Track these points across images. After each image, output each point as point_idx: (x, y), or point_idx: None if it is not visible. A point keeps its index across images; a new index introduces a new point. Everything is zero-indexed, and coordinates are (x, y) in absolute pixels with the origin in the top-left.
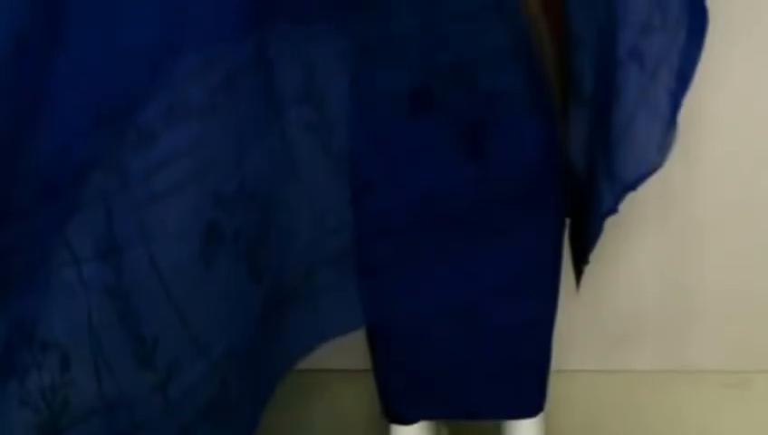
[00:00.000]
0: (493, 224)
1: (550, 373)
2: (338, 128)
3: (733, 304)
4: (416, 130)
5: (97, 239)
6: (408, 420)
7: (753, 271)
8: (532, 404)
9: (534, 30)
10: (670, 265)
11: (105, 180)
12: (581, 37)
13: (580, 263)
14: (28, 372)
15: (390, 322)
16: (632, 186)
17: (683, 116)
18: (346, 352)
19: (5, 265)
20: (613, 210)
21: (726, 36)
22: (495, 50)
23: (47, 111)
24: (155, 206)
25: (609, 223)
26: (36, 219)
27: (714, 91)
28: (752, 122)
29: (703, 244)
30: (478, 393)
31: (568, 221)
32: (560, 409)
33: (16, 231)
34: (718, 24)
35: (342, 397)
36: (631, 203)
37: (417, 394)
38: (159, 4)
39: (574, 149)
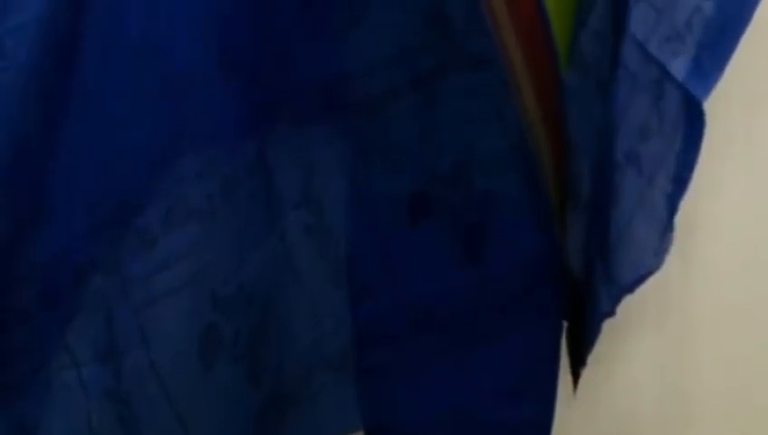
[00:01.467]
0: (492, 327)
1: None
2: (336, 231)
3: (731, 409)
4: (414, 234)
5: (96, 342)
6: None
7: (751, 375)
8: None
9: (532, 134)
10: (668, 368)
11: (105, 283)
12: (579, 141)
13: (577, 365)
14: None
15: (390, 424)
16: (629, 289)
17: (680, 218)
18: None
19: (6, 368)
20: (610, 313)
21: (723, 140)
22: (494, 154)
23: (46, 215)
24: (154, 308)
25: (606, 325)
26: (36, 322)
27: (711, 194)
28: (749, 226)
29: (701, 347)
30: None
31: (565, 324)
32: None
33: (16, 334)
34: (715, 128)
35: None
36: (628, 305)
37: None
38: (158, 107)
39: (571, 253)
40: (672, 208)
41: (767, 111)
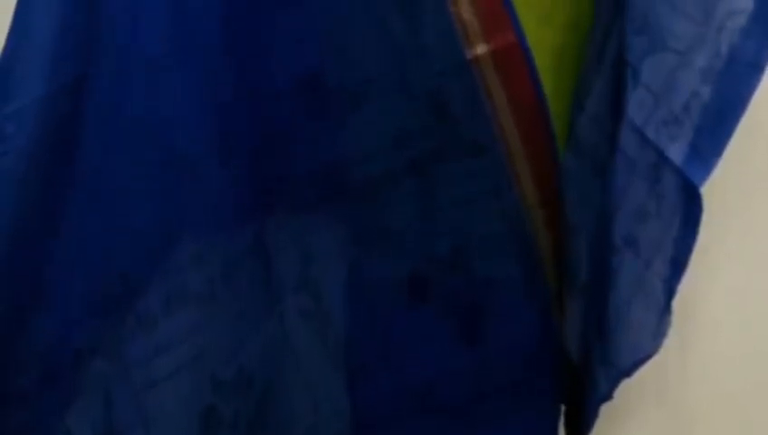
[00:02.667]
0: (491, 410)
1: None
2: (335, 314)
3: None
4: (413, 317)
5: (96, 425)
6: None
7: None
8: None
9: (530, 217)
10: None
11: (104, 367)
12: (577, 224)
13: None
14: None
15: None
16: (627, 372)
17: (677, 302)
18: None
19: None
20: (608, 397)
21: (721, 224)
22: (492, 238)
23: (47, 299)
24: (153, 391)
25: (604, 409)
26: (36, 405)
27: (709, 278)
28: (747, 310)
29: (699, 431)
30: None
31: (563, 407)
32: None
33: (16, 417)
34: (713, 212)
35: None
36: (626, 389)
37: None
38: (158, 191)
39: (569, 336)
40: (670, 292)
41: (764, 195)
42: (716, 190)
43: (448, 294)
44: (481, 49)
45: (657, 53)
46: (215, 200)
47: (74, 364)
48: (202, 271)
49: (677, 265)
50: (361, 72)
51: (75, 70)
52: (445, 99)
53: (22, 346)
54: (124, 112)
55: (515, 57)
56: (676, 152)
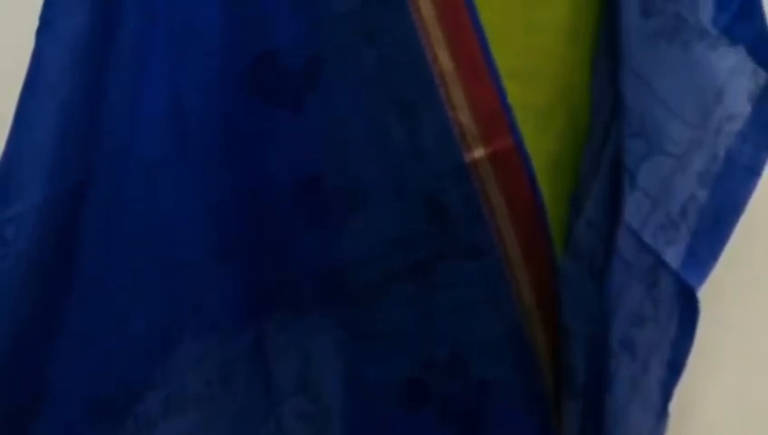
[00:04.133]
0: None
1: None
2: (334, 419)
3: None
4: (412, 421)
5: None
6: None
7: None
8: None
9: (528, 320)
10: None
11: None
12: (574, 327)
13: None
14: None
15: None
16: None
17: (674, 405)
18: None
19: None
20: None
21: (718, 327)
22: (490, 341)
23: (46, 402)
24: None
25: None
26: None
27: (705, 381)
28: (744, 413)
29: None
30: None
31: None
32: None
33: None
34: (710, 315)
35: None
36: None
37: None
38: (157, 294)
39: None
40: (666, 395)
41: (761, 298)
42: (713, 293)
43: (447, 398)
44: (479, 153)
45: (655, 157)
46: (214, 303)
47: None
48: (201, 373)
49: (674, 368)
50: (360, 175)
51: (75, 175)
52: (443, 202)
53: None
54: (123, 217)
55: (514, 161)
56: (674, 256)
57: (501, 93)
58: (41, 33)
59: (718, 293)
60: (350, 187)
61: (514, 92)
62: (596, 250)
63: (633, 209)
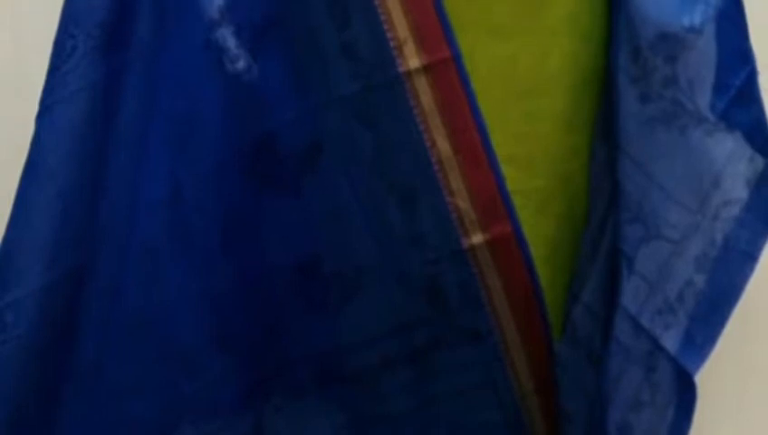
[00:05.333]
0: None
1: None
2: None
3: None
4: None
5: None
6: None
7: None
8: None
9: (526, 404)
10: None
11: None
12: (572, 412)
13: None
14: None
15: None
16: None
17: None
18: None
19: None
20: None
21: (715, 411)
22: (488, 425)
23: None
24: None
25: None
26: None
27: None
28: None
29: None
30: None
31: None
32: None
33: None
34: (707, 399)
35: None
36: None
37: None
38: (156, 380)
39: None
40: None
41: (759, 383)
42: (711, 377)
43: None
44: (477, 238)
45: (652, 242)
46: (213, 388)
47: None
48: None
49: None
50: (358, 259)
51: (74, 260)
52: (440, 287)
53: None
54: (123, 302)
55: (512, 247)
56: (671, 341)
57: (499, 179)
58: (40, 118)
59: (715, 377)
60: (348, 271)
61: (513, 178)
62: (594, 335)
63: (631, 294)
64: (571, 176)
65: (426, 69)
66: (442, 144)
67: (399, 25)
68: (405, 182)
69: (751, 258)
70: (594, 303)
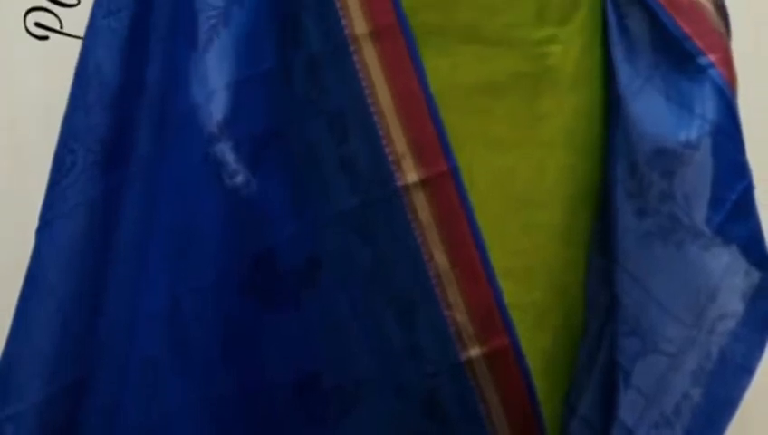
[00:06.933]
0: None
1: None
2: None
3: None
4: None
5: None
6: None
7: None
8: None
9: None
10: None
11: None
12: None
13: None
14: None
15: None
16: None
17: None
18: None
19: None
20: None
21: None
22: None
23: None
24: None
25: None
26: None
27: None
28: None
29: None
30: None
31: None
32: None
33: None
34: None
35: None
36: None
37: None
38: None
39: None
40: None
41: None
42: None
43: None
44: (475, 352)
45: (649, 356)
46: None
47: None
48: None
49: None
50: (357, 373)
51: (74, 372)
52: (439, 400)
53: None
54: (123, 415)
55: (509, 360)
56: None
57: (497, 293)
58: (40, 232)
59: None
60: (347, 384)
61: (510, 292)
62: None
63: (627, 407)
64: (567, 288)
65: (424, 183)
66: (440, 258)
67: (398, 140)
68: (403, 296)
69: (747, 371)
70: (591, 415)
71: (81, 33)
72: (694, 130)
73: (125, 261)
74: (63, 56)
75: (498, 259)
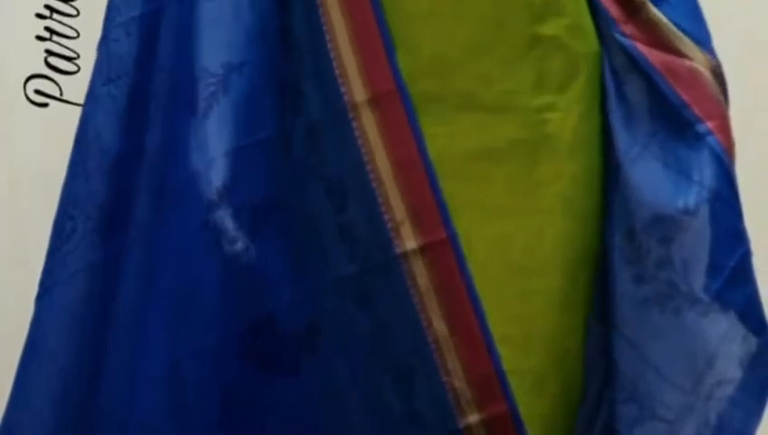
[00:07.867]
0: None
1: None
2: None
3: None
4: None
5: None
6: None
7: None
8: None
9: None
10: None
11: None
12: None
13: None
14: None
15: None
16: None
17: None
18: None
19: None
20: None
21: None
22: None
23: None
24: None
25: None
26: None
27: None
28: None
29: None
30: None
31: None
32: None
33: None
34: None
35: None
36: None
37: None
38: None
39: None
40: None
41: None
42: None
43: None
44: (473, 418)
45: (647, 423)
46: None
47: None
48: None
49: None
50: None
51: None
52: None
53: None
54: None
55: (508, 426)
56: None
57: (495, 359)
58: (40, 299)
59: None
60: None
61: (509, 358)
62: None
63: None
64: (566, 355)
65: (422, 250)
66: (438, 325)
67: (396, 207)
68: (402, 362)
69: None
70: None
71: (81, 100)
72: (692, 196)
73: (125, 327)
74: (63, 123)
75: (496, 325)
